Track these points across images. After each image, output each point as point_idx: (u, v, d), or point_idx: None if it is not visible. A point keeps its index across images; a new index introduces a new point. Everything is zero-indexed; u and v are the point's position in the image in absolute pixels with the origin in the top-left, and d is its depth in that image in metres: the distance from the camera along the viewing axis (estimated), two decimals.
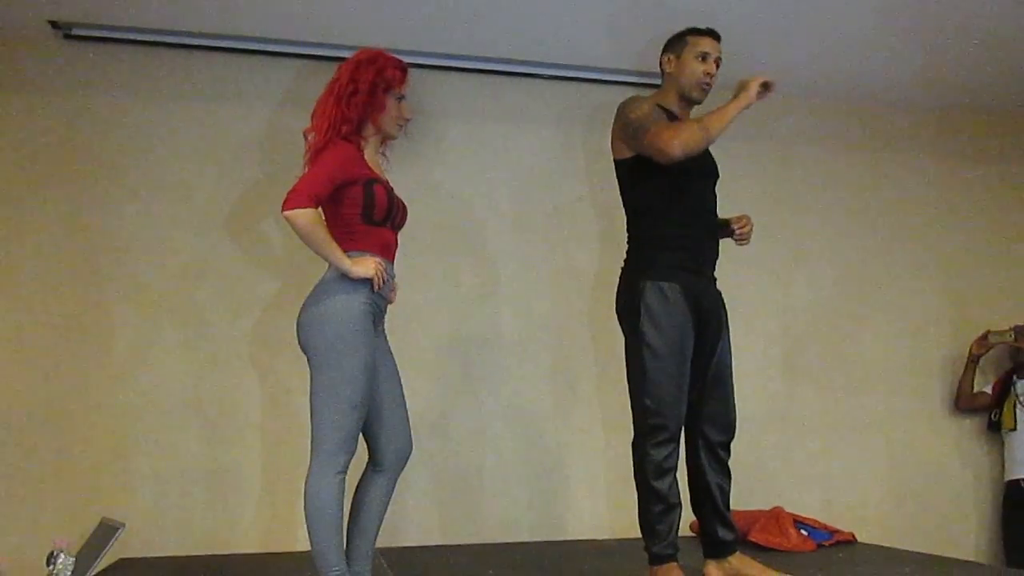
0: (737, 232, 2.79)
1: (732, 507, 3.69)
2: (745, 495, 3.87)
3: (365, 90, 2.47)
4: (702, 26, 2.71)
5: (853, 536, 3.67)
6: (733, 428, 2.74)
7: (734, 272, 4.11)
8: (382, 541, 3.48)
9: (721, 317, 2.72)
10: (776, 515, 3.57)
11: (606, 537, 3.74)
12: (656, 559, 2.57)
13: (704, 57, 2.67)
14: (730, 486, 2.74)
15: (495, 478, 3.78)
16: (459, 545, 3.55)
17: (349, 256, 2.39)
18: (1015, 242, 4.57)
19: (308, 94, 3.67)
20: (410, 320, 3.67)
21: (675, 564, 2.56)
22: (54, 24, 3.51)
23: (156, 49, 3.67)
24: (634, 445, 2.62)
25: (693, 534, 3.80)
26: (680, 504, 2.61)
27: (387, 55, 2.54)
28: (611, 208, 3.03)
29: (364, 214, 2.43)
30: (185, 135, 3.69)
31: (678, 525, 2.61)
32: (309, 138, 2.52)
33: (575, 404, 3.89)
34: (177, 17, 3.51)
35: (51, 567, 2.45)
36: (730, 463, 2.75)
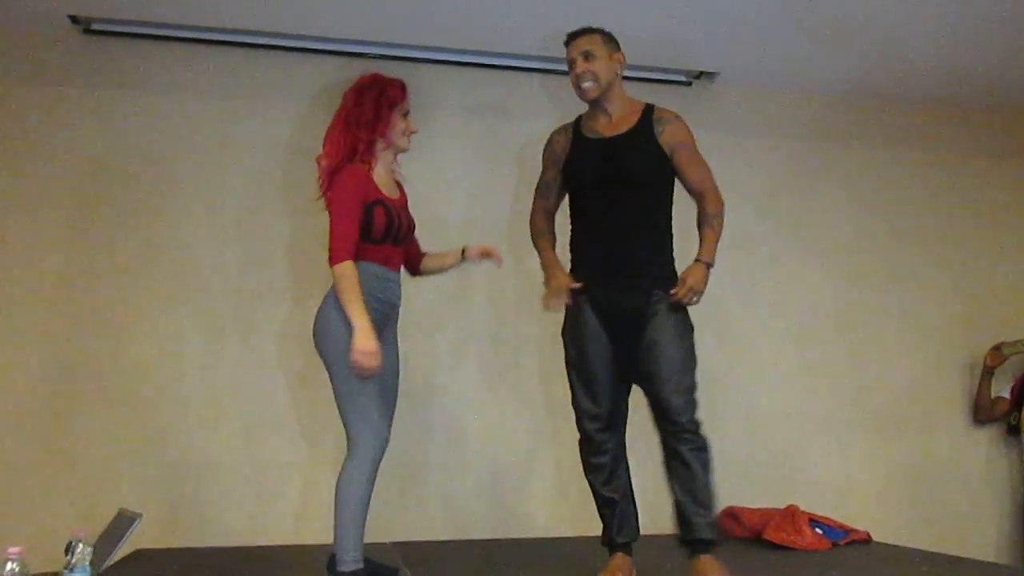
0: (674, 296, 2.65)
1: (746, 504, 3.72)
2: (760, 493, 3.87)
3: (373, 111, 2.67)
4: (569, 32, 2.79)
5: (868, 535, 3.65)
6: (679, 412, 2.59)
7: (750, 270, 4.14)
8: (397, 535, 3.52)
9: (645, 313, 2.64)
10: (791, 513, 3.56)
11: None
12: (611, 548, 2.76)
13: (570, 62, 2.74)
14: (695, 476, 2.59)
15: (510, 475, 3.78)
16: (472, 540, 3.56)
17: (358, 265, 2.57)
18: None
19: (329, 91, 3.75)
20: (422, 319, 3.68)
21: (618, 554, 2.73)
22: (74, 19, 3.53)
23: (176, 45, 3.69)
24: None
25: None
26: (614, 500, 2.73)
27: (386, 76, 2.75)
28: None
29: (362, 234, 2.60)
30: (205, 131, 3.70)
31: (621, 519, 2.75)
32: (322, 164, 2.71)
33: None
34: (197, 13, 3.53)
35: (69, 557, 2.47)
36: (704, 453, 2.62)
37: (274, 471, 3.58)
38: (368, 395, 2.54)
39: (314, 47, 3.77)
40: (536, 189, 2.93)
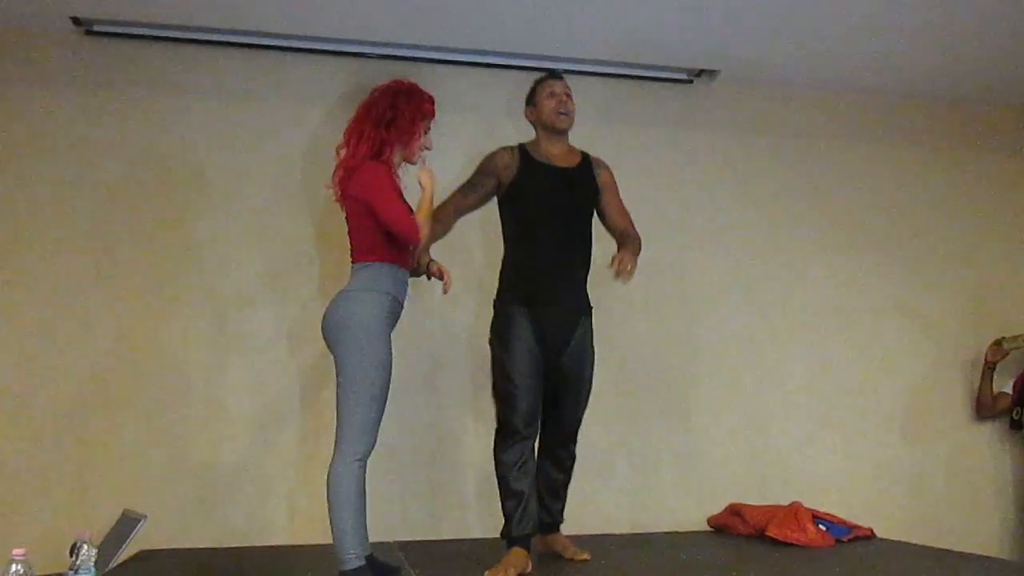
0: (614, 273, 2.86)
1: (751, 502, 3.74)
2: (764, 491, 3.88)
3: (407, 119, 2.76)
4: (551, 71, 3.19)
5: (872, 531, 3.66)
6: (575, 428, 3.09)
7: (752, 268, 4.15)
8: (400, 535, 3.53)
9: (572, 334, 2.98)
10: (794, 510, 3.56)
11: (624, 531, 3.75)
12: (511, 541, 2.90)
13: (552, 93, 3.05)
14: (566, 479, 3.14)
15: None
16: (476, 540, 3.56)
17: (373, 264, 2.68)
18: None
19: (330, 91, 3.76)
20: (425, 318, 3.69)
21: (516, 548, 2.88)
22: (75, 20, 3.54)
23: (178, 46, 3.70)
24: (494, 445, 2.98)
25: (711, 528, 3.81)
26: (523, 493, 2.90)
27: (421, 89, 2.84)
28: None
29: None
30: (208, 132, 3.70)
31: (524, 513, 2.90)
32: (341, 154, 2.78)
33: None
34: (199, 14, 3.52)
35: (74, 558, 2.48)
36: (569, 466, 3.13)
37: (278, 472, 3.59)
38: (372, 396, 2.58)
39: (315, 47, 3.77)
40: (460, 187, 3.09)
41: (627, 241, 3.00)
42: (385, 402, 2.64)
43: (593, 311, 3.11)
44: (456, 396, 3.79)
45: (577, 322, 3.00)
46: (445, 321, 3.80)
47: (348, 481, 2.53)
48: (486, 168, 3.05)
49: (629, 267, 2.83)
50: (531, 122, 3.14)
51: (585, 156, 3.13)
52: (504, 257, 3.07)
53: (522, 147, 3.07)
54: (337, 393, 2.60)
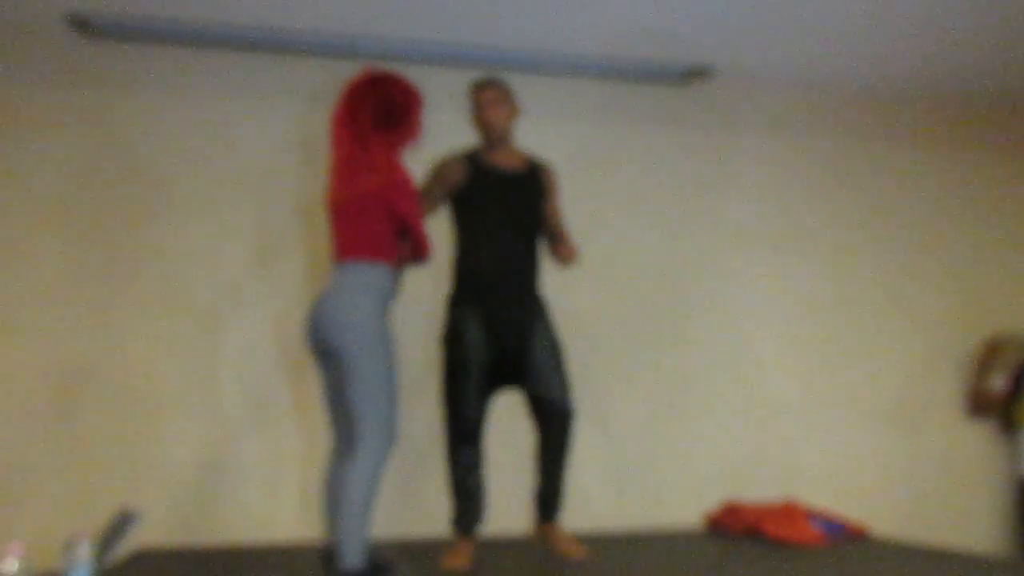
0: (562, 260, 3.12)
1: (745, 498, 3.74)
2: (758, 488, 3.89)
3: (410, 109, 2.67)
4: (479, 80, 3.11)
5: (866, 529, 3.66)
6: (562, 416, 3.02)
7: (747, 265, 4.16)
8: (396, 533, 3.53)
9: (532, 327, 3.01)
10: (790, 508, 3.57)
11: (620, 530, 3.75)
12: (462, 533, 3.02)
13: (478, 104, 3.06)
14: (563, 467, 3.07)
15: (510, 472, 3.79)
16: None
17: (375, 264, 2.60)
18: None
19: (329, 91, 3.75)
20: (425, 309, 3.69)
21: (468, 537, 3.02)
22: (73, 20, 3.54)
23: (174, 45, 3.70)
24: (447, 446, 3.02)
25: (707, 526, 3.82)
26: (476, 490, 3.01)
27: (409, 80, 2.71)
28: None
29: (398, 229, 2.65)
30: (204, 132, 3.71)
31: (477, 508, 3.02)
32: (346, 155, 2.64)
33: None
34: (196, 12, 3.52)
35: (70, 555, 2.48)
36: (566, 450, 3.06)
37: (275, 468, 3.60)
38: (386, 392, 2.50)
39: (315, 43, 3.77)
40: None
41: (561, 235, 3.14)
42: (396, 395, 2.56)
43: (549, 306, 3.14)
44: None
45: (532, 318, 3.03)
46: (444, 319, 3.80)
47: (366, 482, 2.44)
48: (438, 179, 3.05)
49: (573, 252, 3.09)
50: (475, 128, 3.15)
51: (531, 160, 3.14)
52: (456, 260, 3.07)
53: (471, 154, 3.08)
54: (351, 394, 2.49)
